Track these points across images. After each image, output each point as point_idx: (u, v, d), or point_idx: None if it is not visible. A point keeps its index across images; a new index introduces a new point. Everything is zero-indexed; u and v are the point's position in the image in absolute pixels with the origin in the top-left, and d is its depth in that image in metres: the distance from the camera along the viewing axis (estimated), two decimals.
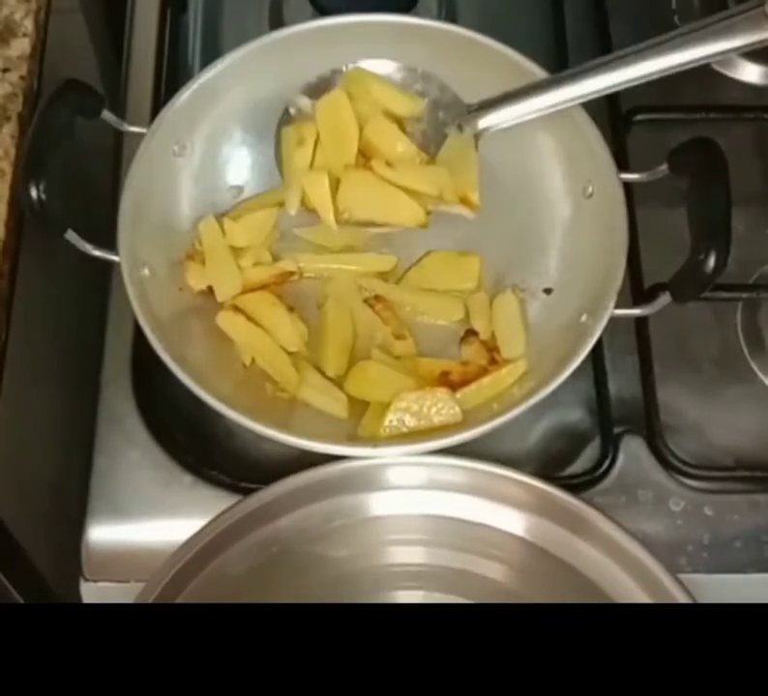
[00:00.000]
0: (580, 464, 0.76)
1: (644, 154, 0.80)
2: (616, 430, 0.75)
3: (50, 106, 0.70)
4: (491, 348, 0.76)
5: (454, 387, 0.73)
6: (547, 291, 0.77)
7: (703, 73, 0.89)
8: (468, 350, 0.76)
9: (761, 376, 0.78)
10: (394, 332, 0.76)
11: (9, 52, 0.79)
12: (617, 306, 0.70)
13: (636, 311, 0.73)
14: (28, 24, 0.80)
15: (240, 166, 0.80)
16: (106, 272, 0.77)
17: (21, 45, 0.79)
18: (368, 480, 0.70)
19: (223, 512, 0.67)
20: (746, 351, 0.79)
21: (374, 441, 0.70)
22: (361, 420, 0.73)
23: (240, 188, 0.80)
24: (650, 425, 0.75)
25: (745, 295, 0.79)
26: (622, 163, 0.80)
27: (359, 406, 0.73)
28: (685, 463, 0.74)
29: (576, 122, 0.75)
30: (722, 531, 0.73)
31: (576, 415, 0.78)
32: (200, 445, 0.76)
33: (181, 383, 0.68)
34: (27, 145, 0.69)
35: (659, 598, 0.66)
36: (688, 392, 0.77)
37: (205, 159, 0.78)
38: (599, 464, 0.74)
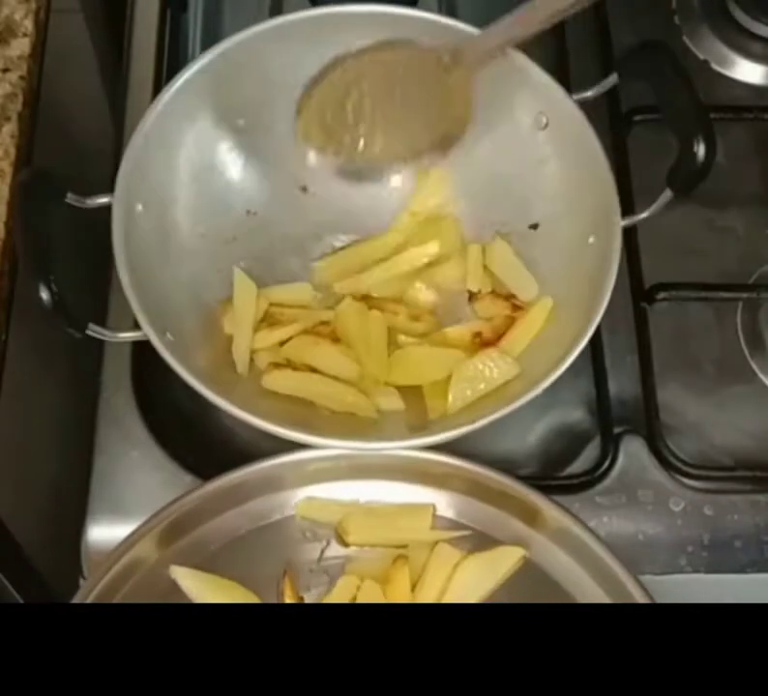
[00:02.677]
0: (580, 464, 0.76)
1: (644, 153, 0.80)
2: (616, 430, 0.75)
3: (23, 202, 0.69)
4: (508, 297, 0.76)
5: (491, 343, 0.73)
6: (534, 226, 0.77)
7: (703, 73, 0.89)
8: (481, 305, 0.76)
9: (761, 376, 0.78)
10: (410, 315, 0.76)
11: (9, 52, 0.79)
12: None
13: (642, 216, 0.72)
14: (28, 24, 0.80)
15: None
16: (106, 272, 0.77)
17: (21, 45, 0.79)
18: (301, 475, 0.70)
19: (159, 512, 0.67)
20: (746, 351, 0.79)
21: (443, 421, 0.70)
22: (421, 406, 0.72)
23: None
24: (650, 425, 0.75)
25: (745, 295, 0.79)
26: (622, 163, 0.80)
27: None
28: (685, 463, 0.74)
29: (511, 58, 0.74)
30: (722, 531, 0.73)
31: (576, 415, 0.78)
32: (200, 445, 0.76)
33: (181, 383, 0.68)
34: (20, 247, 0.69)
35: (618, 598, 0.66)
36: (688, 393, 0.77)
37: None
38: (599, 464, 0.74)
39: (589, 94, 0.75)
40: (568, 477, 0.75)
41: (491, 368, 0.71)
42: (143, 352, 0.73)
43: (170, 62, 0.85)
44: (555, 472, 0.76)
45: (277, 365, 0.74)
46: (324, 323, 0.76)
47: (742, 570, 0.72)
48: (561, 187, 0.76)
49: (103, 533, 0.72)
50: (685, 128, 0.69)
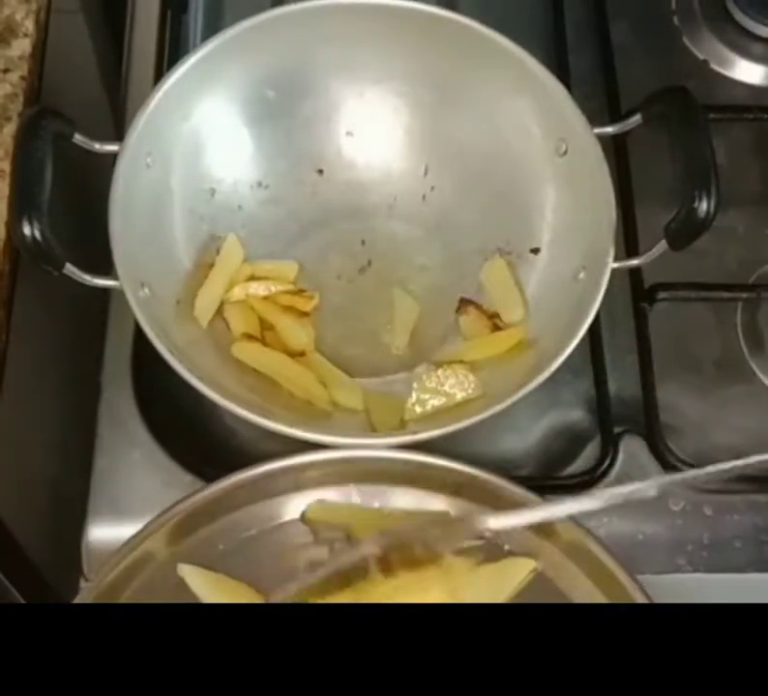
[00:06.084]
0: (580, 464, 0.76)
1: (645, 153, 0.80)
2: (616, 430, 0.75)
3: (27, 139, 0.69)
4: (492, 316, 0.76)
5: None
6: (535, 251, 0.77)
7: (703, 73, 0.89)
8: (466, 320, 0.76)
9: (761, 376, 0.78)
10: None
11: (9, 52, 0.79)
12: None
13: (634, 262, 0.72)
14: (29, 24, 0.80)
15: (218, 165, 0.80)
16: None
17: (22, 46, 0.79)
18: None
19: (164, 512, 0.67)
20: (746, 351, 0.79)
21: (402, 427, 0.71)
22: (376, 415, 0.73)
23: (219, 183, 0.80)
24: (650, 425, 0.75)
25: (745, 295, 0.79)
26: (622, 163, 0.80)
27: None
28: (685, 463, 0.74)
29: (543, 82, 0.75)
30: (721, 530, 0.73)
31: (575, 414, 0.78)
32: (201, 445, 0.76)
33: (181, 383, 0.68)
34: (15, 182, 0.69)
35: (616, 598, 0.65)
36: (688, 392, 0.77)
37: (179, 166, 0.77)
38: (599, 464, 0.74)
39: (610, 130, 0.75)
40: (567, 476, 0.75)
41: (453, 385, 0.72)
42: (144, 353, 0.73)
43: (170, 63, 0.85)
44: (555, 472, 0.76)
45: (249, 336, 0.75)
46: (303, 296, 0.77)
47: (742, 570, 0.72)
48: (566, 216, 0.76)
49: (104, 533, 0.72)
50: (692, 180, 0.68)
